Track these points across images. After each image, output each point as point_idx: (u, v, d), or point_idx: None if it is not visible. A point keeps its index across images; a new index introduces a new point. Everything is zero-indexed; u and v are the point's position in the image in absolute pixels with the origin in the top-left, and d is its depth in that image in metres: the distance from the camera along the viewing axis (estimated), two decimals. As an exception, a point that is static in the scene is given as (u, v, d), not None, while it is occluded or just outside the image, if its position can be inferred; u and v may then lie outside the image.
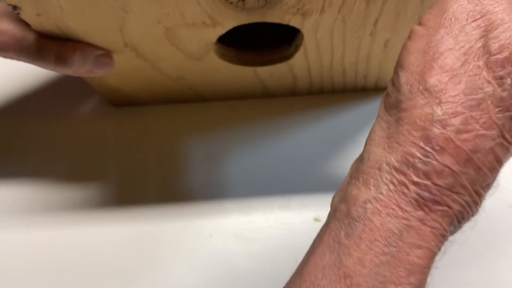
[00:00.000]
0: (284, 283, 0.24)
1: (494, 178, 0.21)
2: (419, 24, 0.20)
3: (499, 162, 0.20)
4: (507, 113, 0.19)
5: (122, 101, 0.42)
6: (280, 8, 0.28)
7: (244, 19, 0.29)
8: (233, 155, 0.42)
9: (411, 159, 0.19)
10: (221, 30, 0.30)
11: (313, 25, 0.30)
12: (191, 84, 0.40)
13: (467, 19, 0.19)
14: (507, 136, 0.19)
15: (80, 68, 0.32)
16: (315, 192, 0.41)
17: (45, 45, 0.30)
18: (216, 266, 0.38)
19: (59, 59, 0.31)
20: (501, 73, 0.19)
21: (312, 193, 0.41)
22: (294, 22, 0.30)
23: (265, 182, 0.41)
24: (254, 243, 0.39)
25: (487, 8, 0.19)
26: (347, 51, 0.35)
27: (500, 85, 0.19)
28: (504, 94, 0.19)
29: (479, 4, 0.19)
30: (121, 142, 0.43)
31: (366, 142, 0.22)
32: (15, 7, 0.26)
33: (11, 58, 0.31)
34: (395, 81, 0.20)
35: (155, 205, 0.41)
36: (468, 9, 0.19)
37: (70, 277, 0.38)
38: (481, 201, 0.21)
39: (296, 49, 0.35)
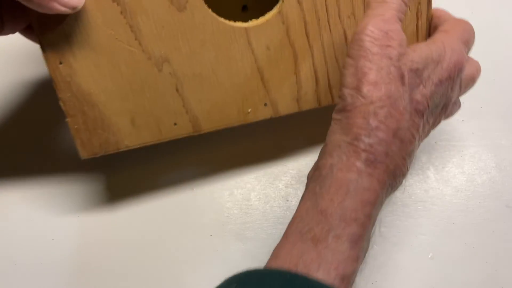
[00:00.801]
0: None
1: (413, 149, 0.30)
2: (347, 55, 0.30)
3: (413, 137, 0.30)
4: (412, 105, 0.29)
5: (96, 137, 0.33)
6: None
7: None
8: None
9: (359, 136, 0.28)
10: None
11: None
12: (177, 77, 0.33)
13: (376, 51, 0.29)
14: (415, 119, 0.29)
15: None
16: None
17: None
18: (216, 266, 0.38)
19: None
20: (404, 84, 0.29)
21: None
22: None
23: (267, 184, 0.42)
24: (254, 243, 0.39)
25: (387, 43, 0.29)
26: None
27: (405, 89, 0.29)
28: (407, 94, 0.29)
29: (383, 43, 0.29)
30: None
31: (327, 135, 0.31)
32: None
33: None
34: (341, 95, 0.30)
35: (155, 204, 0.41)
36: (376, 45, 0.29)
37: (71, 276, 0.38)
38: (407, 165, 0.30)
39: None
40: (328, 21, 0.35)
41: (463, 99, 0.36)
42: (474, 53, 0.34)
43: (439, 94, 0.31)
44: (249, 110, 0.36)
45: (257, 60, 0.35)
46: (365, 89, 0.28)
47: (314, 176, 0.30)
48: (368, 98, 0.28)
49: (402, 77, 0.29)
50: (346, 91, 0.29)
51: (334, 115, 0.31)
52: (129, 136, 0.34)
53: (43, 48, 0.30)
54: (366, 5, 0.33)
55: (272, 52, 0.35)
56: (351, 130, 0.28)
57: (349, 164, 0.28)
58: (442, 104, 0.32)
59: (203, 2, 0.32)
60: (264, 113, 0.37)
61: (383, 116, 0.28)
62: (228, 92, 0.35)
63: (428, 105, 0.30)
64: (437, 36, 0.32)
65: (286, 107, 0.37)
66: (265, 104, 0.36)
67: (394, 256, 0.38)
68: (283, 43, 0.35)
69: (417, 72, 0.29)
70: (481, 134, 0.43)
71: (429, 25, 0.37)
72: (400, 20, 0.31)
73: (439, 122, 0.33)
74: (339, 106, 0.30)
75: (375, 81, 0.29)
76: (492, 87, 0.45)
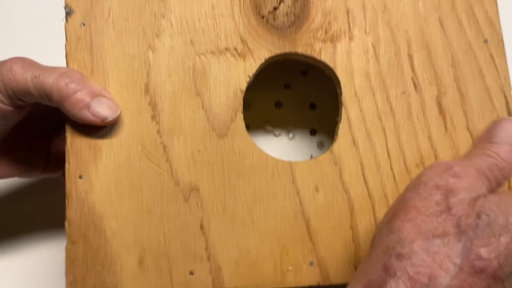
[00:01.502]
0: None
1: None
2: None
3: None
4: (468, 259, 0.21)
5: (93, 275, 0.28)
6: (308, 29, 0.30)
7: (275, 46, 0.30)
8: None
9: (372, 286, 0.21)
10: (252, 66, 0.30)
11: (346, 59, 0.30)
12: (205, 210, 0.29)
13: (432, 185, 0.24)
14: (468, 279, 0.21)
15: (77, 90, 0.27)
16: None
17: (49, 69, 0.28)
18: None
19: (63, 74, 0.27)
20: (459, 229, 0.22)
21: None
22: (325, 54, 0.30)
23: None
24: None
25: (449, 181, 0.24)
26: (400, 128, 0.30)
27: (457, 237, 0.22)
28: (461, 243, 0.22)
29: (444, 178, 0.24)
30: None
31: None
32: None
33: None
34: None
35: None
36: (435, 180, 0.24)
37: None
38: None
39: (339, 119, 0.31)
40: (391, 168, 0.30)
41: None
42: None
43: None
44: (290, 268, 0.29)
45: (302, 203, 0.29)
46: (398, 221, 0.23)
47: None
48: (396, 234, 0.22)
49: (457, 223, 0.22)
50: (380, 223, 0.25)
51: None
52: (132, 281, 0.28)
53: (68, 159, 0.29)
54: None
55: (322, 196, 0.30)
56: (366, 276, 0.22)
57: None
58: None
59: (245, 130, 0.30)
60: (310, 277, 0.29)
61: (410, 263, 0.21)
62: (263, 238, 0.29)
63: (501, 266, 0.21)
64: None
65: (339, 272, 0.29)
66: (311, 263, 0.29)
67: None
68: (335, 187, 0.30)
69: (486, 220, 0.22)
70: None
71: None
72: (489, 181, 0.24)
73: None
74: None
75: (414, 218, 0.23)
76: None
